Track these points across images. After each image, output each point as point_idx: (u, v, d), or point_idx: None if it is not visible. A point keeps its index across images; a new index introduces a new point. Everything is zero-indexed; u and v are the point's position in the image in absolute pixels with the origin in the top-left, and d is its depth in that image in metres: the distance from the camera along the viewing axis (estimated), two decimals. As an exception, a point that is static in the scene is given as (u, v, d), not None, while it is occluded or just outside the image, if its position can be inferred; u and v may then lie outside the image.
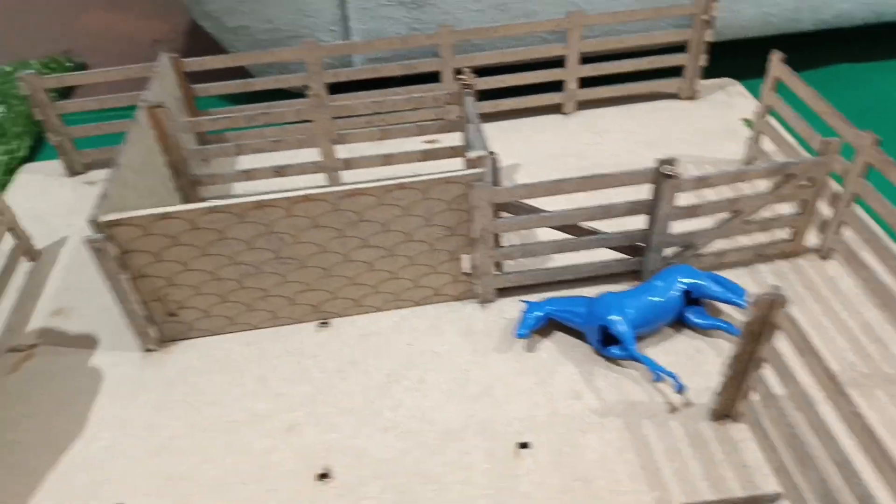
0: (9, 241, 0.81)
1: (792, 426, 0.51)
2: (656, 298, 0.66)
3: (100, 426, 0.64)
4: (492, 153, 0.65)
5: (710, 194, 0.77)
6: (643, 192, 0.67)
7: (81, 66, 1.30)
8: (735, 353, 0.54)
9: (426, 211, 0.65)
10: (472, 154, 0.64)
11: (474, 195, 0.64)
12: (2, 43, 1.40)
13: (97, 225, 0.61)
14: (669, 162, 0.64)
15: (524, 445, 0.60)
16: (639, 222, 0.70)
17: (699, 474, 0.57)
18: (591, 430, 0.60)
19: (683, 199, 0.68)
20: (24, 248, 0.82)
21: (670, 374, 0.62)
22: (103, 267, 0.62)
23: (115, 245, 0.62)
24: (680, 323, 0.68)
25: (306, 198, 0.62)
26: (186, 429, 0.63)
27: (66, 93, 1.19)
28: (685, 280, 0.67)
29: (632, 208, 0.67)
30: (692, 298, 0.68)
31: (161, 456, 0.61)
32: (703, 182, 0.66)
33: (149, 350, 0.70)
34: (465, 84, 0.79)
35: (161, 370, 0.69)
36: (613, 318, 0.64)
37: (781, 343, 0.53)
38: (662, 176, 0.64)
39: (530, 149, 0.97)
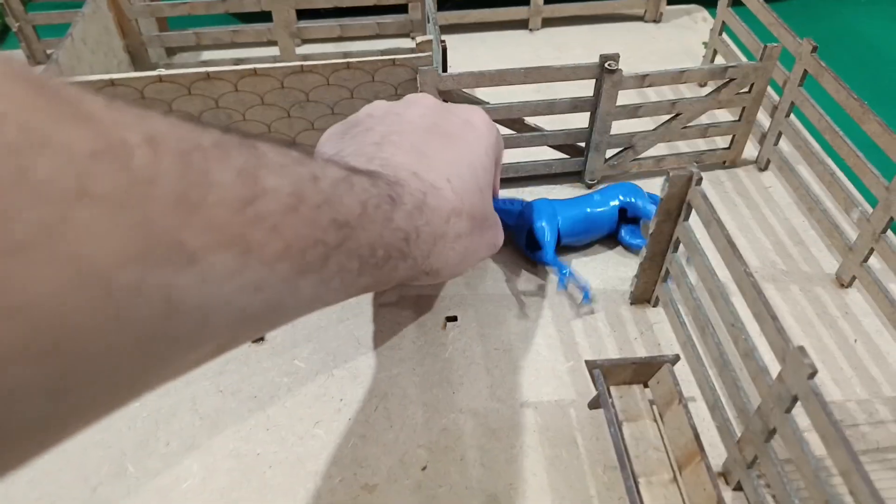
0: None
1: (699, 300, 0.55)
2: (590, 210, 0.67)
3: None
4: (442, 40, 0.66)
5: (653, 96, 0.79)
6: (588, 90, 0.69)
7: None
8: (651, 233, 0.57)
9: (373, 94, 0.67)
10: (421, 38, 0.65)
11: (421, 80, 0.65)
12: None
13: (45, 87, 0.62)
14: (612, 58, 0.66)
15: (452, 319, 0.63)
16: (582, 121, 0.72)
17: (613, 349, 0.60)
18: (515, 308, 0.63)
19: (626, 98, 0.70)
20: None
21: (583, 286, 0.64)
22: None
23: (63, 111, 0.64)
24: (612, 239, 0.70)
25: (254, 72, 0.63)
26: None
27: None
28: (623, 197, 0.67)
29: (574, 104, 0.69)
30: (628, 217, 0.68)
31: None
32: (644, 80, 0.68)
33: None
34: (423, -19, 0.80)
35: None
36: (541, 224, 0.65)
37: (694, 222, 0.55)
38: (605, 71, 0.66)
39: (492, 60, 0.98)
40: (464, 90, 0.68)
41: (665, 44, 1.02)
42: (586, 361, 0.52)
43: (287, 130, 0.69)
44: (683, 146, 0.77)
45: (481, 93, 0.70)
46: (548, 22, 1.05)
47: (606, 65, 0.66)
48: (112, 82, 0.63)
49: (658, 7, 1.05)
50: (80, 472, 0.52)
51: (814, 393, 0.38)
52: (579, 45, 1.02)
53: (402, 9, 0.93)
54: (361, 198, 0.33)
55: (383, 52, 0.84)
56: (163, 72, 0.63)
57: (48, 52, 0.99)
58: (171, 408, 0.56)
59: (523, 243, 0.67)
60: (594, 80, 0.68)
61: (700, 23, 1.07)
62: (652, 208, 0.66)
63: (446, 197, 0.42)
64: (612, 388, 0.53)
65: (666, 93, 0.88)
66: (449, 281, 0.66)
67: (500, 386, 0.57)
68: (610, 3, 1.05)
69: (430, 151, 0.44)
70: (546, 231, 0.65)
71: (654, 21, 1.06)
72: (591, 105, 0.69)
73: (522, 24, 1.05)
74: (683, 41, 1.02)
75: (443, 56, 0.66)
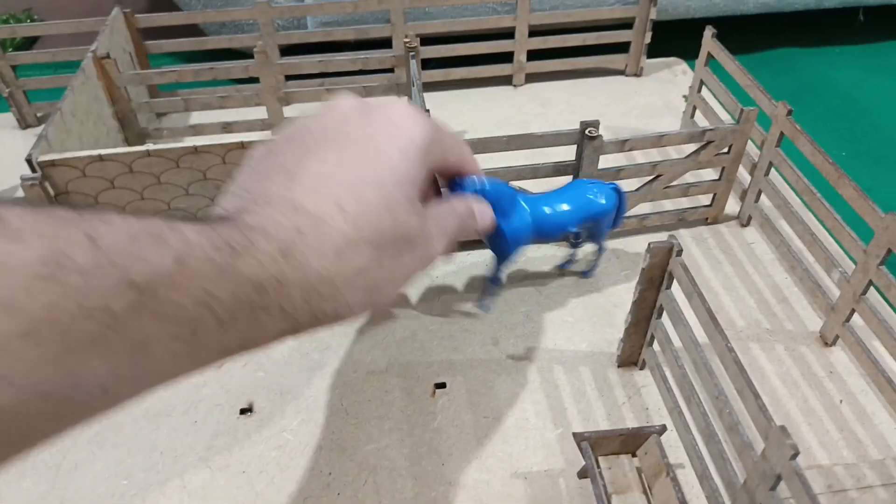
0: (-46, 186, 0.82)
1: (683, 368, 0.55)
2: (563, 219, 0.63)
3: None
4: (427, 110, 0.67)
5: (637, 158, 0.81)
6: (571, 154, 0.71)
7: (41, 24, 1.30)
8: (634, 300, 0.58)
9: (358, 163, 0.68)
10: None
11: (404, 148, 0.66)
12: (-39, -2, 1.39)
13: (34, 165, 0.63)
14: (592, 124, 0.67)
15: (441, 386, 0.63)
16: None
17: (601, 414, 0.60)
18: (504, 374, 0.64)
19: (608, 160, 0.71)
20: (-30, 194, 0.83)
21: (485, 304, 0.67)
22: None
23: (51, 186, 0.64)
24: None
25: (241, 145, 0.64)
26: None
27: (23, 47, 1.19)
28: (591, 205, 0.64)
29: (557, 168, 0.70)
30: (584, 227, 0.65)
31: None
32: (624, 144, 0.69)
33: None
34: (409, 47, 0.81)
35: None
36: (516, 246, 0.60)
37: (676, 291, 0.56)
38: (585, 137, 0.67)
39: (478, 117, 1.00)
40: (449, 157, 0.69)
41: (646, 98, 1.04)
42: (574, 434, 0.52)
43: (275, 198, 0.69)
44: (667, 204, 0.79)
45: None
46: (531, 77, 1.07)
47: (587, 132, 0.67)
48: (101, 157, 0.63)
49: (638, 62, 1.07)
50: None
51: (796, 474, 0.38)
52: (562, 100, 1.04)
53: (387, 70, 0.95)
54: (177, 252, 0.29)
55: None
56: (151, 147, 0.64)
57: (38, 115, 1.01)
58: (159, 485, 0.56)
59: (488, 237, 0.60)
60: (575, 146, 0.70)
61: (680, 76, 1.10)
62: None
63: (336, 229, 0.35)
64: (600, 459, 0.53)
65: (649, 152, 0.89)
66: (437, 345, 0.66)
67: (489, 456, 0.57)
68: (592, 59, 1.07)
69: (322, 171, 0.37)
70: (517, 253, 0.61)
71: (635, 75, 1.09)
72: (573, 169, 0.71)
73: (506, 80, 1.07)
74: (664, 95, 1.05)
75: (427, 124, 0.68)
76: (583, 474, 0.54)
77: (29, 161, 0.62)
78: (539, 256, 0.75)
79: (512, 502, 0.54)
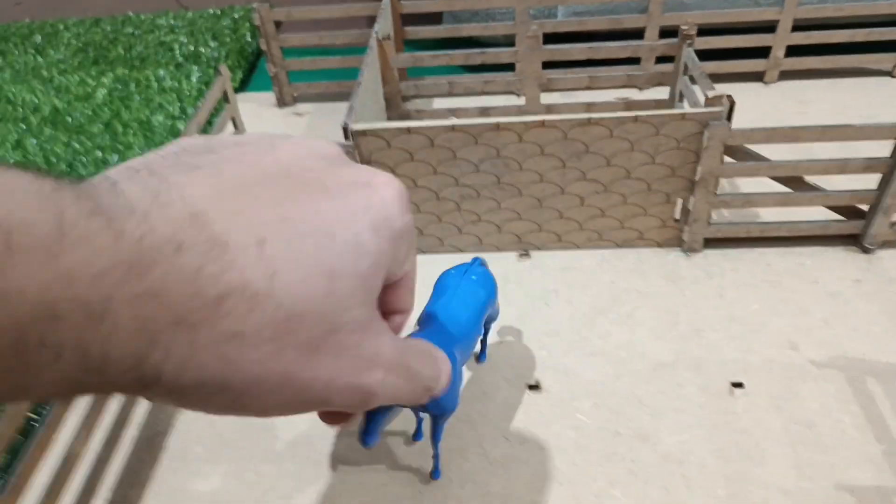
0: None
1: None
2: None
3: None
4: (729, 95, 0.65)
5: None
6: (882, 150, 0.65)
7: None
8: None
9: (653, 148, 0.66)
10: (711, 92, 0.64)
11: (709, 134, 0.64)
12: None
13: (348, 132, 0.66)
14: (921, 118, 0.62)
15: (738, 385, 0.60)
16: (868, 181, 0.67)
17: (933, 435, 0.55)
18: (809, 380, 0.59)
19: (925, 161, 0.65)
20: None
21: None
22: (345, 173, 0.67)
23: (358, 155, 0.67)
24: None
25: (542, 123, 0.65)
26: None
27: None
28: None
29: (868, 165, 0.65)
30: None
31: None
32: (955, 142, 0.63)
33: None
34: (687, 35, 0.79)
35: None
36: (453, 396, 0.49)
37: None
38: (911, 132, 0.62)
39: (729, 113, 0.95)
40: (748, 146, 0.66)
41: None
42: (935, 450, 0.47)
43: (559, 180, 0.69)
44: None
45: (763, 149, 0.68)
46: (784, 75, 1.01)
47: (916, 125, 0.61)
48: (409, 130, 0.66)
49: (909, 62, 0.98)
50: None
51: None
52: (822, 100, 0.97)
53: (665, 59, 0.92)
54: None
55: (627, 105, 0.83)
56: (455, 121, 0.65)
57: (294, 95, 1.07)
58: (460, 448, 0.56)
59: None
60: (893, 141, 0.64)
61: (957, 79, 0.99)
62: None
63: (237, 264, 0.24)
64: (957, 483, 0.48)
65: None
66: (727, 344, 0.63)
67: (808, 465, 0.53)
68: (854, 57, 0.99)
69: (263, 195, 0.26)
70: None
71: (904, 76, 1.00)
72: (886, 166, 0.65)
73: (756, 77, 1.01)
74: (943, 98, 0.95)
75: (729, 111, 0.65)
76: (925, 497, 0.49)
77: (345, 129, 0.66)
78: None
79: (843, 516, 0.50)
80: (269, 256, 0.25)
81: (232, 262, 0.24)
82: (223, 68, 0.82)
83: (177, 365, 0.23)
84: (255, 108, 1.07)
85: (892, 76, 1.00)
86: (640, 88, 0.98)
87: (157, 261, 0.22)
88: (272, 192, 0.27)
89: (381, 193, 0.30)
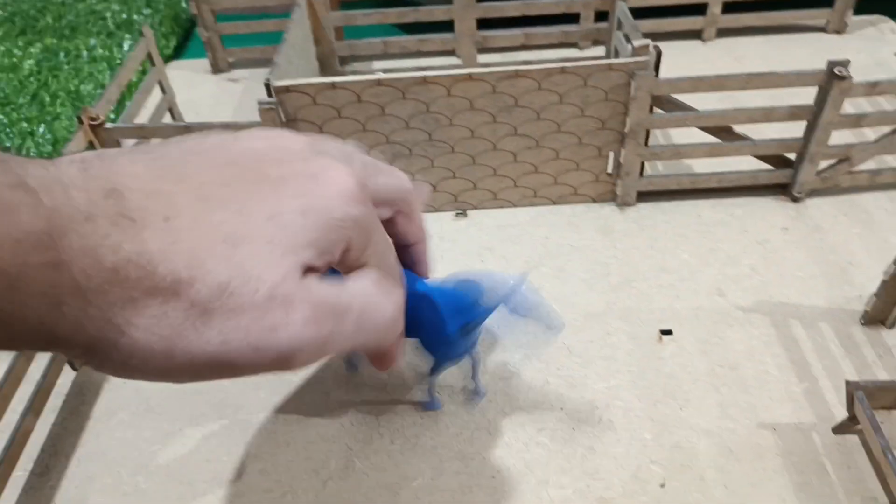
0: (167, 119, 0.86)
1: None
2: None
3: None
4: (656, 45, 0.64)
5: (884, 105, 0.75)
6: (806, 97, 0.66)
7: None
8: (907, 248, 0.53)
9: (582, 100, 0.66)
10: (637, 42, 0.64)
11: (636, 84, 0.63)
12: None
13: (270, 89, 0.64)
14: (842, 64, 0.62)
15: (667, 332, 0.60)
16: (794, 131, 0.68)
17: (850, 372, 0.56)
18: (735, 325, 0.60)
19: (848, 107, 0.66)
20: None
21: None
22: (271, 132, 0.66)
23: (282, 112, 0.66)
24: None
25: (469, 76, 0.64)
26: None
27: None
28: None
29: (793, 112, 0.66)
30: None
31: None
32: (874, 88, 0.64)
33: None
34: (618, -11, 0.78)
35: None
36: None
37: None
38: (833, 77, 0.62)
39: (668, 71, 0.95)
40: (674, 95, 0.66)
41: (853, 56, 0.94)
42: (847, 382, 0.48)
43: (490, 136, 0.68)
44: (902, 160, 0.72)
45: (690, 98, 0.68)
46: (722, 33, 1.01)
47: (836, 70, 0.62)
48: (333, 85, 0.64)
49: (842, 17, 0.99)
50: (310, 465, 0.52)
51: None
52: (757, 56, 0.98)
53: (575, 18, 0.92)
54: None
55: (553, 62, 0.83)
56: (381, 76, 0.64)
57: (230, 60, 1.04)
58: (392, 404, 0.56)
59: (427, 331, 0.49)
60: (817, 88, 0.65)
61: (888, 34, 1.01)
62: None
63: (141, 236, 0.25)
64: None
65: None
66: (657, 293, 0.64)
67: (732, 405, 0.54)
68: (789, 14, 1.00)
69: (192, 180, 0.28)
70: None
71: (837, 32, 1.01)
72: (810, 114, 0.66)
73: (695, 35, 1.02)
74: (874, 53, 0.96)
75: (656, 61, 0.65)
76: (840, 429, 0.51)
77: (267, 86, 0.64)
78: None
79: (762, 452, 0.51)
80: (173, 228, 0.26)
81: (136, 234, 0.25)
82: (146, 29, 0.79)
83: (72, 330, 0.25)
84: (189, 74, 1.04)
85: (826, 31, 1.02)
86: (580, 48, 0.98)
87: (67, 230, 0.24)
88: (205, 177, 0.28)
89: (325, 186, 0.30)
